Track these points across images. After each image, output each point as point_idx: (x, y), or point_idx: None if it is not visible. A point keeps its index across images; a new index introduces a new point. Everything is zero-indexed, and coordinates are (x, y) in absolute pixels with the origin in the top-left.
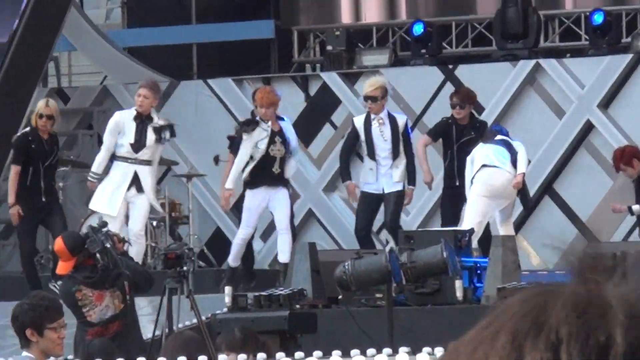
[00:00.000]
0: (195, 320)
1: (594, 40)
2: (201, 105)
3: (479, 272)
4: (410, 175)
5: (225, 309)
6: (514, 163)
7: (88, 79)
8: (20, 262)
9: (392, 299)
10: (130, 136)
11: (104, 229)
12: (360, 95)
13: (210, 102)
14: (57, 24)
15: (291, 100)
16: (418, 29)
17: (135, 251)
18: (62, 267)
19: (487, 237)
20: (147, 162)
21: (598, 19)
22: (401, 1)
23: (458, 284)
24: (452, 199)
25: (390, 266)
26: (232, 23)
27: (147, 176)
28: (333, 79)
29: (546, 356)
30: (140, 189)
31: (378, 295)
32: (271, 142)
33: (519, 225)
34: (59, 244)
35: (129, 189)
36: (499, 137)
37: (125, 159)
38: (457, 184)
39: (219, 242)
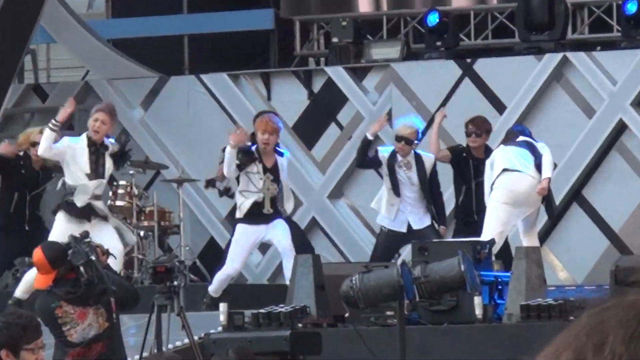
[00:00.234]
0: (186, 341)
1: (627, 31)
2: (193, 103)
3: (500, 287)
4: (440, 217)
5: (219, 328)
6: (538, 167)
7: (68, 74)
8: None
9: (404, 316)
10: (84, 166)
11: (87, 239)
12: (369, 92)
13: (203, 99)
14: (35, 13)
15: (293, 98)
16: (433, 19)
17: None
18: (41, 281)
19: (507, 248)
20: (99, 197)
21: (631, 8)
22: None
23: (477, 300)
24: (468, 236)
25: (402, 281)
26: (228, 12)
27: (102, 207)
28: (339, 74)
29: None
30: (101, 219)
31: (389, 312)
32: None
33: (544, 235)
34: (37, 254)
35: (84, 217)
36: (521, 138)
37: (83, 190)
38: (476, 219)
39: (213, 254)
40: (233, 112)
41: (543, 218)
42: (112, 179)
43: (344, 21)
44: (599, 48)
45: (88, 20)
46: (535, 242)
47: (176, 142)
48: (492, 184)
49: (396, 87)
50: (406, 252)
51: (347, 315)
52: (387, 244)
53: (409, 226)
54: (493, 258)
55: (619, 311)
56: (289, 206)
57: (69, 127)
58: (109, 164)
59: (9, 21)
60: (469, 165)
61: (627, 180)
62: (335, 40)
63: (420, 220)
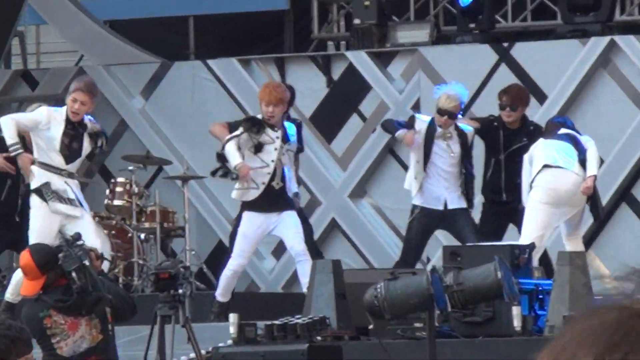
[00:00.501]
0: (192, 355)
1: None
2: (199, 91)
3: (541, 296)
4: (470, 198)
5: (229, 341)
6: (582, 163)
7: (61, 59)
8: None
9: (434, 329)
10: (57, 143)
11: (79, 242)
12: (395, 79)
13: (210, 87)
14: None
15: (310, 86)
16: None
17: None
18: (29, 287)
19: (547, 254)
20: (73, 175)
21: None
22: None
23: (515, 311)
24: (497, 217)
25: (433, 289)
26: None
27: (77, 189)
28: (361, 60)
29: None
30: (74, 204)
31: (417, 324)
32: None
33: (589, 239)
34: (25, 258)
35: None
36: (563, 130)
37: (54, 170)
38: (505, 198)
39: (222, 259)
40: (243, 101)
41: (588, 220)
42: (109, 175)
43: (366, 1)
44: None
45: None
46: (579, 247)
47: (180, 134)
48: (532, 182)
49: (425, 74)
50: (436, 258)
51: (371, 327)
52: (423, 227)
53: (446, 204)
54: (533, 264)
55: (594, 324)
56: (294, 184)
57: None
58: (87, 143)
59: None
60: (498, 135)
61: None
62: (357, 21)
63: (458, 200)
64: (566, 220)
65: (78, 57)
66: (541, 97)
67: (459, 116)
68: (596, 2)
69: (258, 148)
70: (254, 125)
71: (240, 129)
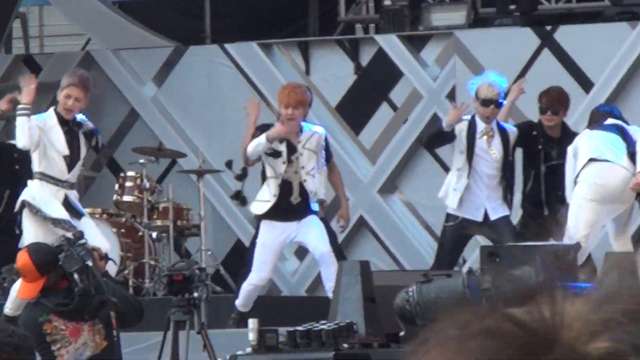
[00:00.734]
0: None
1: None
2: (216, 77)
3: None
4: (509, 203)
5: (249, 349)
6: (631, 156)
7: (65, 42)
8: None
9: None
10: (61, 148)
11: (82, 241)
12: (428, 65)
13: (228, 73)
14: None
15: (336, 73)
16: None
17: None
18: (27, 290)
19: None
20: (73, 186)
21: None
22: None
23: None
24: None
25: (469, 293)
26: None
27: (76, 201)
28: (392, 44)
29: None
30: (77, 216)
31: None
32: (287, 161)
33: (639, 239)
34: (23, 259)
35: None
36: (610, 121)
37: (55, 181)
38: (546, 212)
39: (240, 260)
40: (264, 89)
41: (638, 218)
42: (118, 169)
43: None
44: None
45: None
46: (628, 247)
47: (195, 124)
48: (577, 177)
49: (461, 59)
50: (473, 259)
51: (402, 333)
52: (458, 235)
53: (486, 214)
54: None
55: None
56: (321, 190)
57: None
58: (83, 144)
59: None
60: (537, 144)
61: None
62: (387, 3)
63: (499, 208)
64: (614, 218)
65: (84, 40)
66: (587, 85)
67: (502, 102)
68: None
69: (274, 155)
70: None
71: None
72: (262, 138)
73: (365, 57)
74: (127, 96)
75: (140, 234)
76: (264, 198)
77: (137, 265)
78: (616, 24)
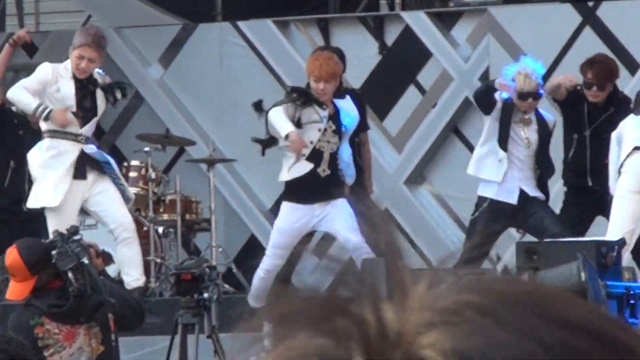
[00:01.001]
0: None
1: None
2: (228, 58)
3: (632, 301)
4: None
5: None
6: None
7: (64, 20)
8: None
9: None
10: (70, 103)
11: (77, 237)
12: (459, 44)
13: (241, 54)
14: None
15: (359, 53)
16: None
17: (132, 254)
18: (16, 290)
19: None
20: (90, 140)
21: None
22: None
23: None
24: (581, 208)
25: None
26: None
27: (103, 155)
28: (420, 22)
29: None
30: (100, 171)
31: None
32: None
33: None
34: (12, 256)
35: (80, 175)
36: None
37: (66, 136)
38: (590, 183)
39: (254, 257)
40: (280, 71)
41: None
42: (121, 158)
43: None
44: None
45: None
46: None
47: (205, 109)
48: (620, 167)
49: (495, 38)
50: (509, 256)
51: None
52: (490, 223)
53: (521, 195)
54: (623, 264)
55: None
56: (349, 175)
57: None
58: (100, 100)
59: None
60: (583, 107)
61: None
62: None
63: (534, 190)
64: None
65: (84, 18)
66: (632, 66)
67: (542, 93)
68: None
69: (297, 124)
70: (301, 97)
71: (285, 99)
72: (283, 129)
73: (391, 36)
74: (130, 78)
75: (145, 229)
76: (291, 163)
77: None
78: None
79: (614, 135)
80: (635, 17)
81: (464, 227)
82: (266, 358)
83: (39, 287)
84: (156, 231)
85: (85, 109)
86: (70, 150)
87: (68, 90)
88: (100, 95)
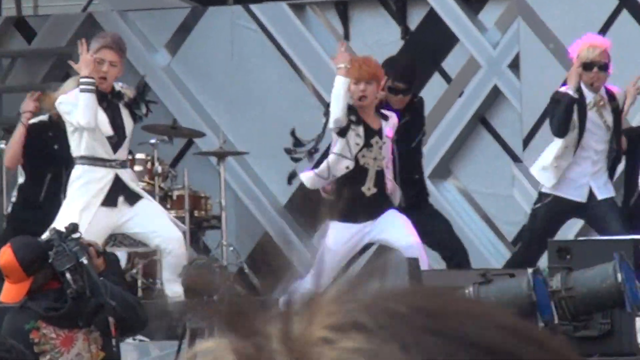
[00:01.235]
0: None
1: None
2: (239, 43)
3: None
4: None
5: None
6: None
7: (64, 3)
8: None
9: None
10: (104, 127)
11: (75, 235)
12: (487, 29)
13: (253, 38)
14: None
15: (380, 39)
16: None
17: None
18: (11, 292)
19: None
20: (125, 164)
21: None
22: None
23: None
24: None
25: (535, 295)
26: None
27: (133, 181)
28: (445, 5)
29: None
30: (131, 200)
31: None
32: (365, 145)
33: None
34: (6, 256)
35: (110, 202)
36: None
37: (101, 162)
38: None
39: (267, 257)
40: (296, 57)
41: None
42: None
43: None
44: None
45: None
46: None
47: (215, 98)
48: None
49: (525, 22)
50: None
51: None
52: (552, 215)
53: (591, 194)
54: None
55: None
56: (395, 196)
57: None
58: (127, 117)
59: None
60: None
61: None
62: None
63: (604, 188)
64: None
65: (86, 0)
66: None
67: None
68: None
69: (341, 132)
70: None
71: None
72: (336, 80)
73: (414, 19)
74: (135, 65)
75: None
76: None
77: (147, 262)
78: None
79: None
80: None
81: (492, 223)
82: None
83: (35, 289)
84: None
85: (118, 130)
86: (103, 177)
87: (98, 115)
88: (124, 112)
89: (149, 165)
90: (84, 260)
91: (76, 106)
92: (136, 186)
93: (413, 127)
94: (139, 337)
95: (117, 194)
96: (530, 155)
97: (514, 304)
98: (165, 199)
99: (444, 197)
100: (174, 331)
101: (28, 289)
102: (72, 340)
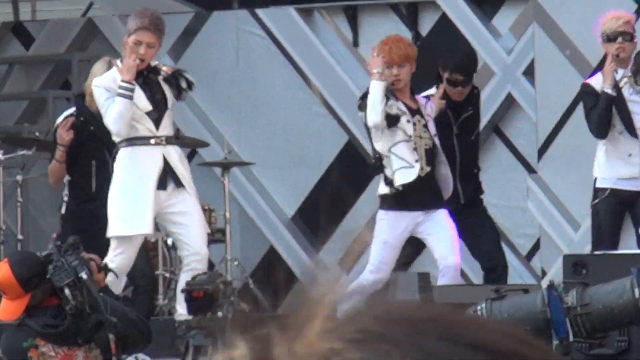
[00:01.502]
0: None
1: None
2: (245, 49)
3: None
4: None
5: None
6: None
7: (63, 7)
8: None
9: None
10: (143, 104)
11: (77, 250)
12: (501, 35)
13: (259, 45)
14: None
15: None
16: None
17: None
18: (9, 310)
19: None
20: (172, 140)
21: None
22: None
23: None
24: None
25: (550, 312)
26: None
27: (180, 162)
28: (458, 10)
29: None
30: (178, 183)
31: None
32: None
33: None
34: (3, 271)
35: (161, 186)
36: None
37: (144, 141)
38: None
39: (273, 272)
40: (303, 64)
41: None
42: None
43: None
44: None
45: None
46: None
47: (220, 106)
48: None
49: (541, 28)
50: (555, 270)
51: None
52: (614, 207)
53: None
54: None
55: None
56: (448, 184)
57: (63, 85)
58: (167, 91)
59: None
60: None
61: None
62: None
63: None
64: None
65: (86, 4)
66: None
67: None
68: None
69: (391, 121)
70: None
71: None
72: (371, 85)
73: (426, 24)
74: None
75: (152, 240)
76: (403, 164)
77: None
78: None
79: None
80: None
81: (507, 238)
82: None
83: (34, 306)
84: (165, 243)
85: (157, 105)
86: (149, 158)
87: (136, 92)
88: (165, 86)
89: None
90: (84, 276)
91: (112, 95)
92: (185, 170)
93: (473, 119)
94: (141, 354)
95: (167, 174)
96: (545, 166)
97: (528, 320)
98: None
99: None
100: (177, 348)
101: (26, 305)
102: (71, 359)
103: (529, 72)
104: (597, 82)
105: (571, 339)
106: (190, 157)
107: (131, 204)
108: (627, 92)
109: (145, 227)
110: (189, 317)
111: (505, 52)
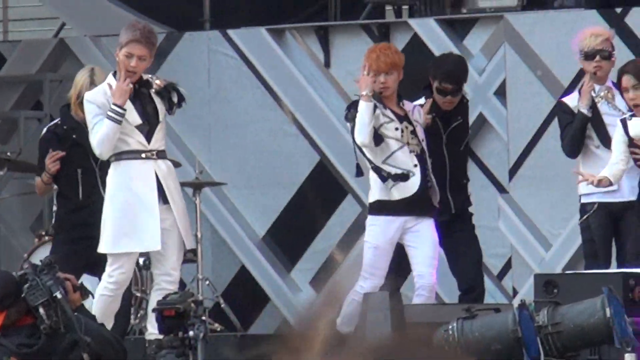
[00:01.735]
0: None
1: None
2: (217, 70)
3: None
4: None
5: None
6: None
7: (35, 28)
8: None
9: None
10: (133, 117)
11: (52, 270)
12: (473, 55)
13: (231, 65)
14: None
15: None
16: None
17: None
18: None
19: None
20: (163, 154)
21: None
22: None
23: (629, 358)
24: None
25: (521, 331)
26: None
27: (170, 177)
28: (430, 30)
29: None
30: (165, 200)
31: None
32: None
33: None
34: None
35: (164, 199)
36: None
37: (135, 155)
38: None
39: (245, 291)
40: (275, 85)
41: None
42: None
43: None
44: None
45: None
46: None
47: (192, 127)
48: None
49: (512, 48)
50: (526, 289)
51: None
52: (604, 220)
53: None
54: None
55: None
56: (435, 192)
57: (35, 106)
58: (159, 105)
59: None
60: None
61: None
62: None
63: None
64: None
65: (58, 25)
66: None
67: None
68: None
69: (378, 141)
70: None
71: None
72: (360, 105)
73: (398, 45)
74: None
75: None
76: (399, 171)
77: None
78: None
79: None
80: None
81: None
82: None
83: (8, 325)
84: (137, 262)
85: (148, 119)
86: (142, 173)
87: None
88: (157, 99)
89: None
90: (59, 295)
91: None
92: (174, 186)
93: (463, 128)
94: None
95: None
96: (516, 186)
97: (499, 340)
98: None
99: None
100: None
101: (1, 324)
102: None
103: (501, 93)
104: (573, 100)
105: (542, 358)
106: None
107: (135, 220)
108: (604, 106)
109: (154, 244)
110: (160, 337)
111: (476, 72)
